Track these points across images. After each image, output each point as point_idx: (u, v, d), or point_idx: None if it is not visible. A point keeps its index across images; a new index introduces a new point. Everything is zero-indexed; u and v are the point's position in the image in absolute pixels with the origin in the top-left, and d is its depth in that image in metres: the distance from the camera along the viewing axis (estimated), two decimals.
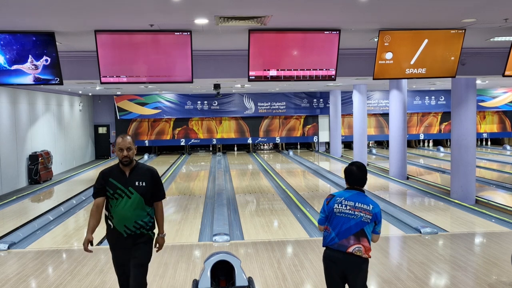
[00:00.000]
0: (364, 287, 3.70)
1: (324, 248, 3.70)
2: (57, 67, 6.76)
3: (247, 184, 13.40)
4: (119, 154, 3.90)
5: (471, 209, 9.37)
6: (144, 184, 3.88)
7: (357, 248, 3.54)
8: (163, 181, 13.97)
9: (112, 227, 3.93)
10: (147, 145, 22.33)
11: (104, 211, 3.98)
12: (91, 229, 3.89)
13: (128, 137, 3.94)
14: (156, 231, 4.11)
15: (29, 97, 14.51)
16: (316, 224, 7.26)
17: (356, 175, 3.65)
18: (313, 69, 7.08)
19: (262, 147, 24.04)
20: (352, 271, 3.59)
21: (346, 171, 3.71)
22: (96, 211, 3.91)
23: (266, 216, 9.24)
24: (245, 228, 8.24)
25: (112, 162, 20.14)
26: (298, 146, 24.35)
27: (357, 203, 3.57)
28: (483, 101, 22.92)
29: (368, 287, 5.25)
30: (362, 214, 3.54)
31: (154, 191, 3.98)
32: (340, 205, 3.59)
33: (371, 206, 3.58)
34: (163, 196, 4.09)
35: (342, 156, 20.71)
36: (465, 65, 8.44)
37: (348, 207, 3.57)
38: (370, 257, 3.63)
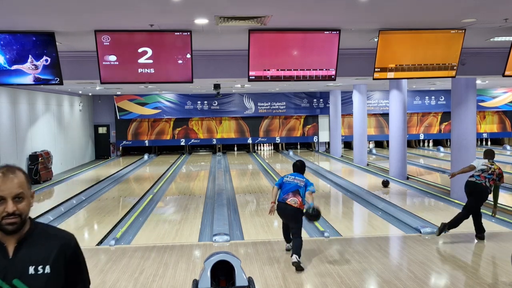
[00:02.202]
0: (300, 229, 5.93)
1: (277, 203, 6.11)
2: (57, 67, 6.76)
3: (247, 184, 13.40)
4: None
5: None
6: (47, 270, 1.88)
7: (292, 199, 5.91)
8: (162, 182, 14.14)
9: None
10: (147, 145, 22.33)
11: None
12: None
13: (19, 174, 1.90)
14: None
15: (29, 97, 14.51)
16: (317, 225, 7.40)
17: (297, 166, 6.33)
18: (313, 69, 7.08)
19: (262, 147, 24.02)
20: (288, 216, 6.02)
21: (293, 164, 6.40)
22: None
23: (266, 216, 9.22)
24: (245, 228, 8.24)
25: (112, 162, 20.14)
26: (298, 146, 24.34)
27: (296, 177, 6.14)
28: (483, 101, 22.92)
29: (368, 287, 5.27)
30: (297, 182, 6.05)
31: (71, 280, 1.99)
32: (287, 178, 6.17)
33: (304, 179, 6.09)
34: (88, 286, 2.13)
35: (342, 156, 20.71)
36: (465, 65, 8.43)
37: (290, 178, 6.13)
38: (303, 208, 5.87)
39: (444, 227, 6.75)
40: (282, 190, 6.12)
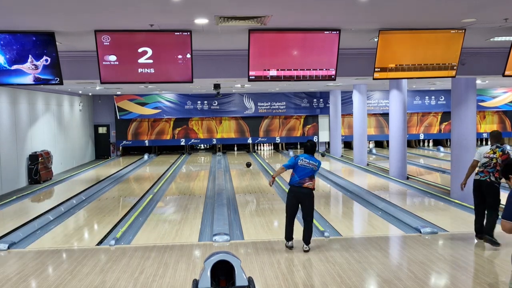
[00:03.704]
0: (312, 210, 6.48)
1: (290, 185, 6.48)
2: (57, 67, 6.76)
3: (247, 184, 13.39)
4: None
5: (471, 209, 9.32)
6: None
7: (309, 183, 6.36)
8: (162, 182, 14.16)
9: None
10: (147, 145, 22.34)
11: None
12: None
13: None
14: None
15: (29, 97, 14.50)
16: (318, 225, 7.39)
17: (308, 147, 6.56)
18: (313, 69, 7.08)
19: (262, 147, 24.02)
20: (304, 197, 6.39)
21: (304, 145, 6.62)
22: None
23: (266, 216, 9.23)
24: (245, 228, 8.24)
25: (112, 162, 20.17)
26: (298, 146, 24.33)
27: (310, 160, 6.42)
28: (483, 101, 22.92)
29: (368, 287, 5.27)
30: (312, 166, 6.40)
31: None
32: (301, 161, 6.41)
33: (316, 162, 6.47)
34: None
35: (342, 156, 20.71)
36: (465, 65, 8.43)
37: (305, 162, 6.40)
38: (314, 189, 6.47)
39: (491, 238, 6.45)
40: (297, 174, 6.38)
